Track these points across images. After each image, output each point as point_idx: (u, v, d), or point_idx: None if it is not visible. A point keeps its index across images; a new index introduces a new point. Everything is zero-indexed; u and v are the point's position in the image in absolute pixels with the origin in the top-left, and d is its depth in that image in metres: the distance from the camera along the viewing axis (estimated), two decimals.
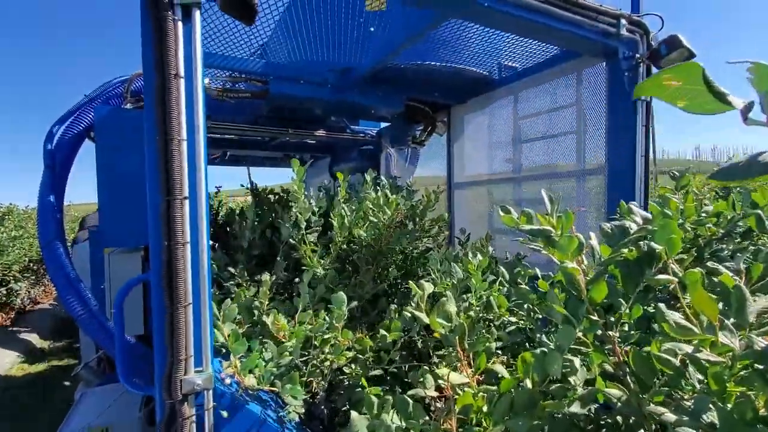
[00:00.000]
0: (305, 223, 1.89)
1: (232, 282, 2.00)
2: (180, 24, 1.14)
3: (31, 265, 6.99)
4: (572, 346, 0.74)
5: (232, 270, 2.04)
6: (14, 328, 6.03)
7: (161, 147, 1.14)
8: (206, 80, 2.70)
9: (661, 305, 0.63)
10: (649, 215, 0.76)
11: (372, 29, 2.32)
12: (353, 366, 1.45)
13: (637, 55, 2.12)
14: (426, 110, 3.53)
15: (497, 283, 1.31)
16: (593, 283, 0.68)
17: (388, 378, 1.53)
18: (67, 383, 4.47)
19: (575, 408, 0.76)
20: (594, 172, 2.49)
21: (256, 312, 1.53)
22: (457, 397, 0.95)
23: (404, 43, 2.31)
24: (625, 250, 0.68)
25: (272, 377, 1.22)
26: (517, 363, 0.88)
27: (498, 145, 3.25)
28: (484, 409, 0.91)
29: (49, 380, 4.76)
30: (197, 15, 1.18)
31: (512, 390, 0.91)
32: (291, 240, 1.89)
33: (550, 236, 0.71)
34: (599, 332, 0.71)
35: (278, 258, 2.10)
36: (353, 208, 1.99)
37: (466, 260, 1.36)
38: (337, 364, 1.42)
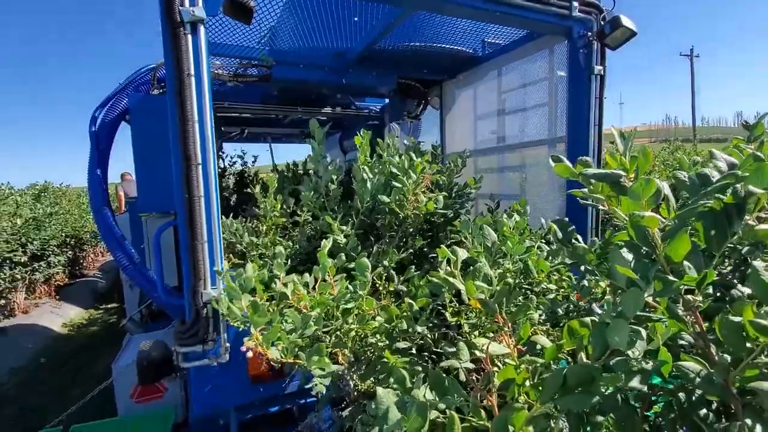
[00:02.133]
0: (326, 189, 1.83)
1: (254, 252, 1.99)
2: (189, 36, 1.49)
3: (68, 240, 7.30)
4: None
5: (254, 240, 2.01)
6: (56, 300, 6.41)
7: (180, 127, 1.50)
8: (218, 64, 2.96)
9: (757, 263, 0.51)
10: (734, 160, 0.63)
11: (356, 19, 2.58)
12: (378, 336, 1.35)
13: (589, 34, 2.30)
14: (417, 87, 3.73)
15: (535, 247, 1.19)
16: (672, 237, 0.57)
17: (415, 349, 1.44)
18: (107, 349, 4.77)
19: (635, 383, 0.67)
20: (562, 140, 2.67)
21: (277, 282, 1.51)
22: (496, 370, 0.86)
23: (387, 28, 2.54)
24: (710, 202, 0.56)
25: (296, 349, 1.18)
26: (563, 333, 0.78)
27: (484, 116, 3.42)
28: (527, 383, 0.83)
29: (92, 347, 5.11)
30: (202, 29, 1.53)
31: (553, 363, 0.82)
32: (312, 207, 1.86)
33: (619, 182, 0.60)
34: (674, 297, 0.60)
35: (300, 227, 2.07)
36: (376, 172, 1.86)
37: (500, 222, 1.24)
38: (363, 333, 1.35)
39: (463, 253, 1.03)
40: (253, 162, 4.67)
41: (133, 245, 2.68)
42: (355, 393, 1.35)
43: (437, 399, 0.85)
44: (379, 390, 0.90)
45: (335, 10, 2.48)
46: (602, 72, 2.36)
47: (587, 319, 0.72)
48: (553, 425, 0.73)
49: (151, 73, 2.78)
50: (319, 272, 1.31)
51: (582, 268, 0.85)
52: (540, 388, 0.73)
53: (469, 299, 0.98)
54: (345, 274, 1.39)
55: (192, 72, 1.48)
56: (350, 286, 1.32)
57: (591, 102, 2.37)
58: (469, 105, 3.58)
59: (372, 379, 1.26)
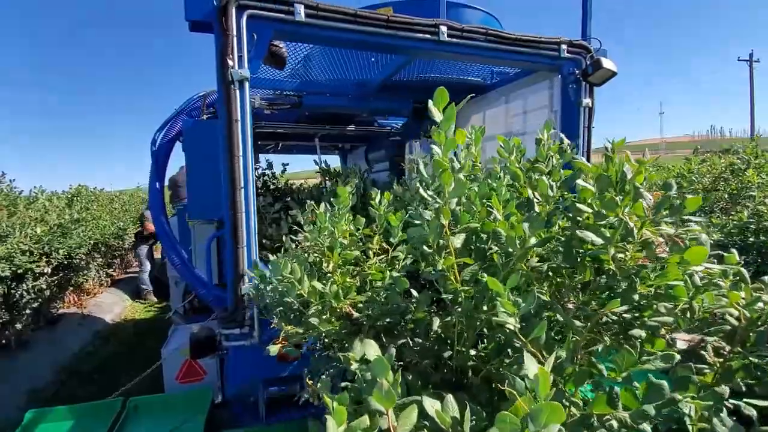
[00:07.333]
0: (450, 216, 0.98)
1: (317, 305, 1.16)
2: (237, 92, 1.89)
3: (99, 246, 6.78)
4: None
5: (317, 286, 1.17)
6: (87, 307, 6.15)
7: (228, 159, 1.90)
8: (258, 97, 3.41)
9: None
10: None
11: (373, 59, 2.99)
12: None
13: (577, 71, 2.62)
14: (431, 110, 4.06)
15: None
16: None
17: None
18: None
19: None
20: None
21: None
22: None
23: (400, 66, 2.96)
24: None
25: None
26: None
27: (492, 139, 3.66)
28: None
29: (121, 359, 4.90)
30: (246, 84, 1.92)
31: None
32: (416, 245, 1.02)
33: None
34: None
35: (389, 269, 1.20)
36: (557, 186, 1.04)
37: None
38: None
39: None
40: (282, 171, 4.25)
41: (181, 245, 3.12)
42: None
43: None
44: None
45: (354, 51, 2.88)
46: (590, 104, 2.67)
47: None
48: None
49: (201, 100, 3.26)
50: None
51: None
52: None
53: None
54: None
55: (239, 118, 1.88)
56: None
57: (581, 131, 2.67)
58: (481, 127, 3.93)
59: None
